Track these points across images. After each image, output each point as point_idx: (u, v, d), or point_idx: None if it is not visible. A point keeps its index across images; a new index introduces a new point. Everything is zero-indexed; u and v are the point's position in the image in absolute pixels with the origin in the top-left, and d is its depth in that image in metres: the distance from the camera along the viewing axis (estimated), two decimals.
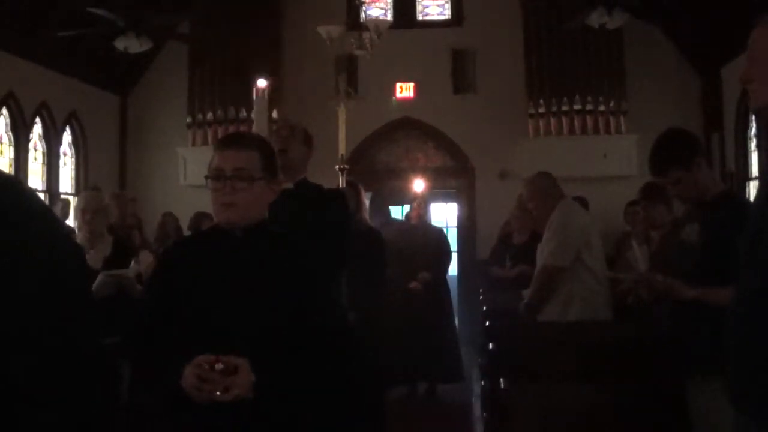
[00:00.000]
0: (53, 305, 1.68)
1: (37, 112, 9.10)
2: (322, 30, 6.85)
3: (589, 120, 9.68)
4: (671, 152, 3.09)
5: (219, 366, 1.99)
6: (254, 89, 3.30)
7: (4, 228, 1.64)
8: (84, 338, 1.83)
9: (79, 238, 4.34)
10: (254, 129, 3.39)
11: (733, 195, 3.25)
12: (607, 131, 9.65)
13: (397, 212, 10.95)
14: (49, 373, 1.64)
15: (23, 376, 1.59)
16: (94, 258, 4.12)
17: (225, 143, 2.28)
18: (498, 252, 7.30)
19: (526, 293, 4.80)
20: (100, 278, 3.95)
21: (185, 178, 9.90)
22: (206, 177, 2.22)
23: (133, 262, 4.42)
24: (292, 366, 2.10)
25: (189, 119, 10.17)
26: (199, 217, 7.15)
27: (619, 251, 6.13)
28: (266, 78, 3.34)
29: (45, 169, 9.36)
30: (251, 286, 2.14)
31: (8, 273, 1.60)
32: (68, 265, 1.81)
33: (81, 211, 4.35)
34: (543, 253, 4.61)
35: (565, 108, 9.68)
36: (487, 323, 4.62)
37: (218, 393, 1.98)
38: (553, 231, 4.56)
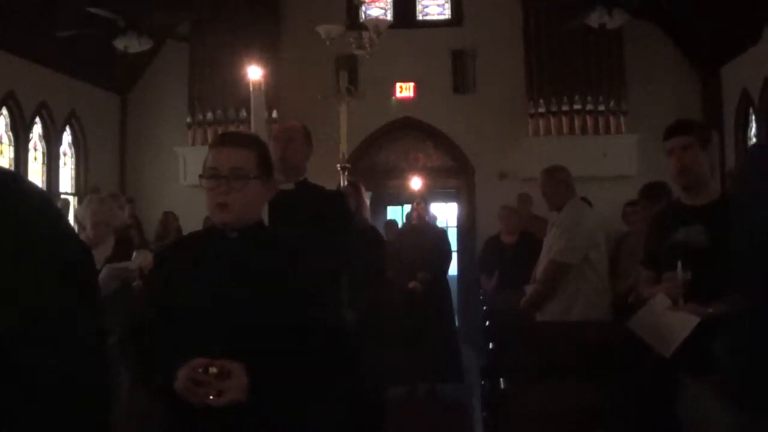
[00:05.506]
0: (62, 301, 1.67)
1: (37, 112, 9.10)
2: (322, 30, 6.85)
3: (589, 120, 9.68)
4: (699, 124, 3.18)
5: (213, 370, 1.97)
6: (250, 83, 3.26)
7: (7, 225, 1.62)
8: (92, 336, 1.82)
9: (82, 237, 4.34)
10: (252, 125, 3.37)
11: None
12: (607, 131, 9.65)
13: (397, 212, 10.99)
14: (54, 370, 1.63)
15: (28, 373, 1.58)
16: (95, 257, 4.12)
17: (220, 142, 2.25)
18: (487, 256, 7.23)
19: (528, 289, 4.80)
20: (104, 272, 3.99)
21: (185, 178, 9.89)
22: (201, 176, 2.19)
23: (134, 254, 4.45)
24: (288, 369, 2.08)
25: (189, 119, 10.17)
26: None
27: (619, 251, 6.11)
28: (258, 67, 3.29)
29: (45, 169, 9.35)
30: (247, 288, 2.12)
31: (15, 269, 1.59)
32: (76, 261, 1.80)
33: (92, 224, 4.34)
34: (551, 249, 4.58)
35: (565, 108, 9.67)
36: (487, 323, 4.61)
37: (212, 397, 1.97)
38: (565, 227, 4.54)
